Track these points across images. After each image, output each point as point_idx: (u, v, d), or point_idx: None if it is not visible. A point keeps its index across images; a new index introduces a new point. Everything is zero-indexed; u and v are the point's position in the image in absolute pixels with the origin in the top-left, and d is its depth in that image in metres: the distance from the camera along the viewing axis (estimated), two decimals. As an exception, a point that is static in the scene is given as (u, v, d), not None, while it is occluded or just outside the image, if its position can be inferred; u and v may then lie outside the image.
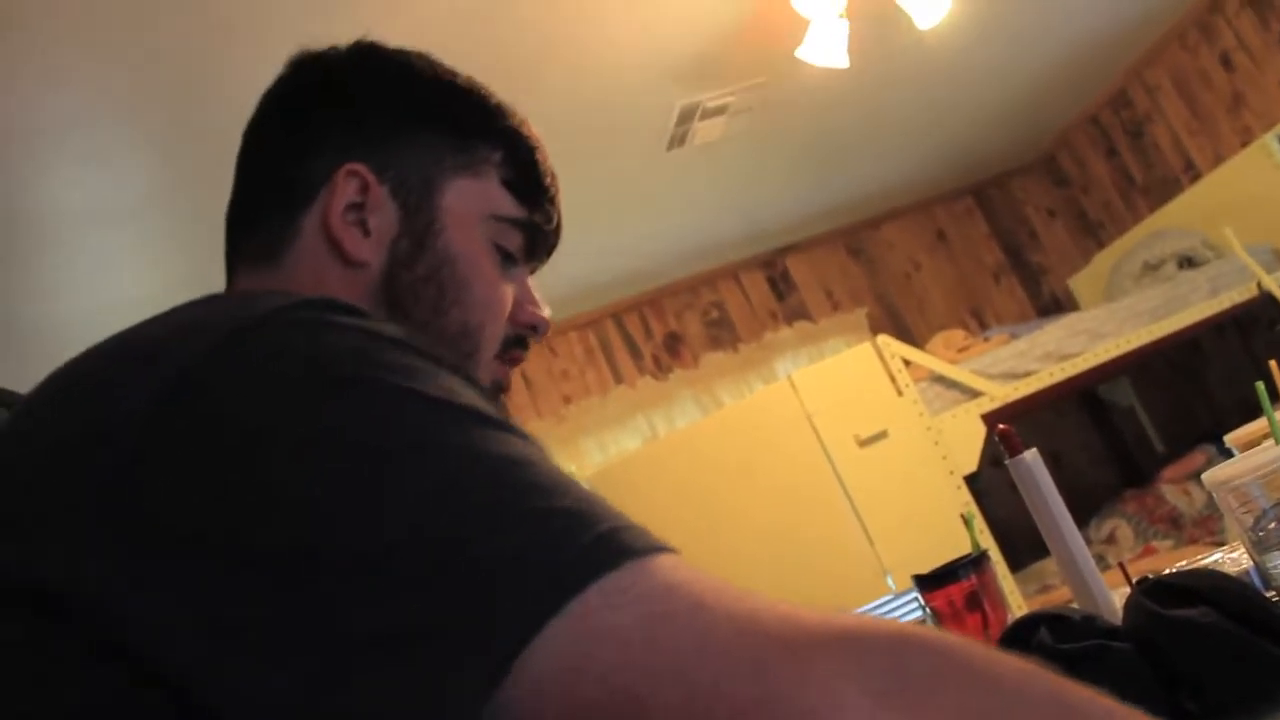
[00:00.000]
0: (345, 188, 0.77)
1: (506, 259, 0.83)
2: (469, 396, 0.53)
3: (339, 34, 0.85)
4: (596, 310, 4.65)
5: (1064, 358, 3.43)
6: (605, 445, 4.44)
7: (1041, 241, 5.42)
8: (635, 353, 4.69)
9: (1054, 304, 5.28)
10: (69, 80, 2.36)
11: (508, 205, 0.82)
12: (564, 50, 2.84)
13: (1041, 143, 5.28)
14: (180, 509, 0.47)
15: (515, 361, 0.85)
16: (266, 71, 0.84)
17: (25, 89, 2.34)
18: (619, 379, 4.61)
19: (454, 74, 0.84)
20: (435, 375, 0.53)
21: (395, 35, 0.86)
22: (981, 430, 3.17)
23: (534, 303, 0.86)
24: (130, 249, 3.06)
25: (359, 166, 0.78)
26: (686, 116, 3.41)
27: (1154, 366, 5.06)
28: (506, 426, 0.52)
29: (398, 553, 0.45)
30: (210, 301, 0.61)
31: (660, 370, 4.68)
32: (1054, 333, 3.51)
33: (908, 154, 4.62)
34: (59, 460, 0.51)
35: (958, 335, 3.96)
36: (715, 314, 4.87)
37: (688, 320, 4.82)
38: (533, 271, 0.89)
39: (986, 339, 3.81)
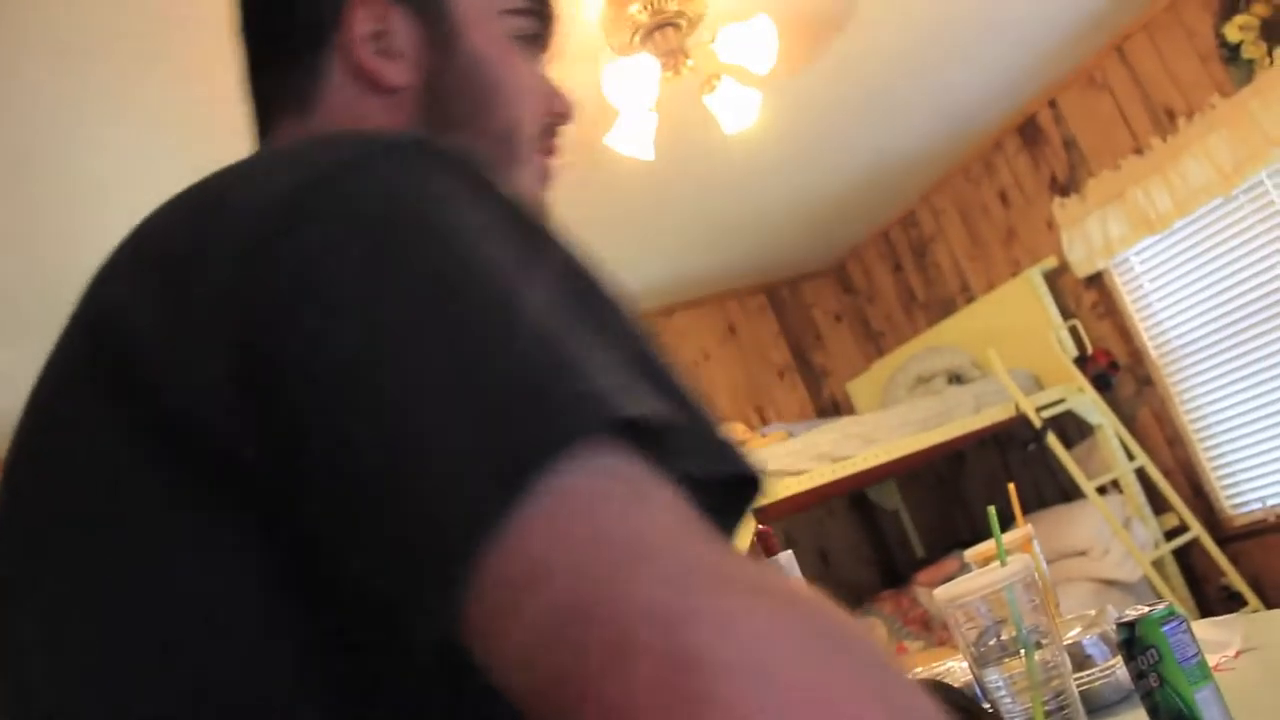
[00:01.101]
0: (361, 17, 0.75)
1: (527, 46, 0.82)
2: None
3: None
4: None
5: (836, 459, 3.57)
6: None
7: (826, 344, 5.66)
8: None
9: (833, 405, 5.50)
10: None
11: None
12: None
13: (834, 251, 5.53)
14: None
15: (552, 152, 0.83)
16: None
17: None
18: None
19: None
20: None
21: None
22: (752, 524, 3.24)
23: (557, 90, 0.84)
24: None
25: None
26: (495, 187, 3.43)
27: (921, 474, 5.32)
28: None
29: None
30: (281, 153, 0.58)
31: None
32: (828, 434, 3.65)
33: (706, 248, 4.76)
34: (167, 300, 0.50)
35: (739, 428, 4.07)
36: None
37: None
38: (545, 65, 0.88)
39: (764, 435, 3.93)
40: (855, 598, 4.66)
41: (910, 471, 5.07)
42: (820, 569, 5.12)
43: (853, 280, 5.67)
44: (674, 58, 2.82)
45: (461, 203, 0.51)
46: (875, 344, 5.59)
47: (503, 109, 0.78)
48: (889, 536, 5.42)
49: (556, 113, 0.83)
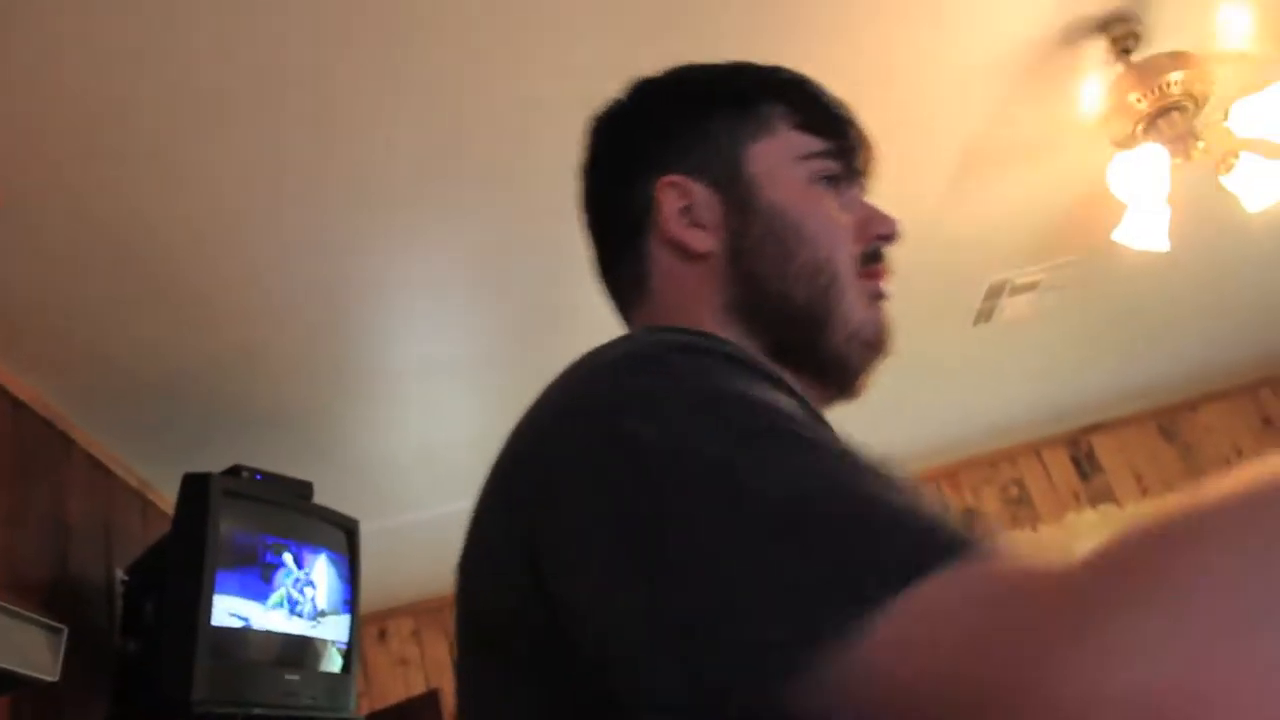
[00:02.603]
0: (669, 198, 0.87)
1: (832, 184, 0.89)
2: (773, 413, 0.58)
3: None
4: (891, 480, 4.59)
5: None
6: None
7: (1387, 434, 4.94)
8: (928, 525, 4.58)
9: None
10: (422, 244, 2.61)
11: (810, 143, 0.88)
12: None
13: (1387, 327, 4.86)
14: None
15: (879, 275, 0.88)
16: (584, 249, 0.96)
17: (387, 250, 2.60)
18: (910, 551, 4.50)
19: (716, 64, 0.93)
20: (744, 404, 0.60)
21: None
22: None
23: (875, 215, 0.90)
24: (459, 397, 3.30)
25: (673, 176, 0.88)
26: (995, 292, 3.40)
27: None
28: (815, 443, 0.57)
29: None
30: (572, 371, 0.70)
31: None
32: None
33: (1230, 335, 4.37)
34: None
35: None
36: (1015, 491, 4.70)
37: (986, 496, 4.68)
38: (864, 192, 0.94)
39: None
40: None
41: None
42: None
43: None
44: (1182, 142, 2.68)
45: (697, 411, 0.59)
46: None
47: (806, 249, 0.84)
48: None
49: (877, 235, 0.88)
